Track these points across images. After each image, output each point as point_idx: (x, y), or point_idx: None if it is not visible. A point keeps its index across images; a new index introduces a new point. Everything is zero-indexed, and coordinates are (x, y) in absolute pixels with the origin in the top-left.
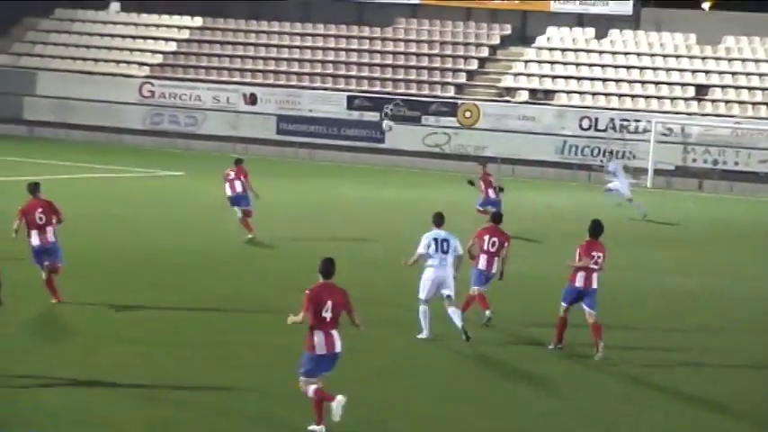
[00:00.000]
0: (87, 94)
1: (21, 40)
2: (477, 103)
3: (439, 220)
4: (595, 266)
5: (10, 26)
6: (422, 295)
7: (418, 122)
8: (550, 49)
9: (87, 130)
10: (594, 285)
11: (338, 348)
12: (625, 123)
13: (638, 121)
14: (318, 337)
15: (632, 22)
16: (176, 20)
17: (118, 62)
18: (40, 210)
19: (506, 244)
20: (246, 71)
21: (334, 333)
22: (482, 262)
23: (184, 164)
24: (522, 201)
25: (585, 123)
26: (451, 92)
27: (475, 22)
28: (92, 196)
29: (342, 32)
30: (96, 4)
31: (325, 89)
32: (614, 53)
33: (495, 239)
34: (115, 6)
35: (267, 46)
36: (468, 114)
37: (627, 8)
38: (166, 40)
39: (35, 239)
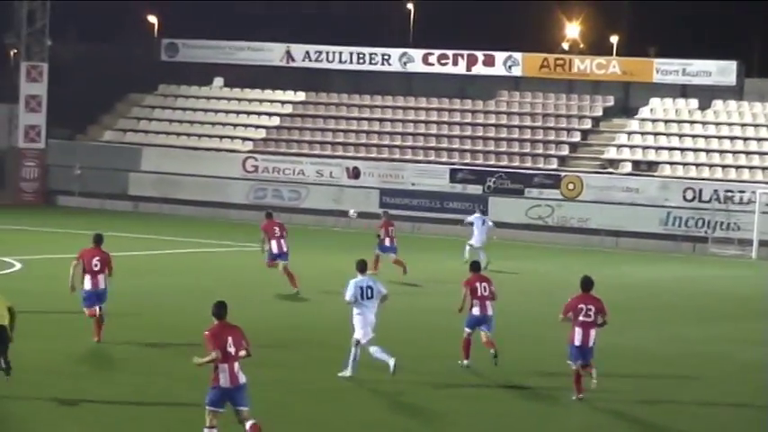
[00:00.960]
0: (191, 170)
1: (125, 116)
2: (580, 174)
3: (362, 267)
4: (588, 318)
5: (116, 102)
6: (361, 338)
7: (521, 195)
8: (653, 121)
9: (191, 205)
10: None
11: (242, 380)
12: (729, 194)
13: (742, 192)
14: (223, 372)
15: (736, 92)
16: (279, 95)
17: (221, 137)
18: (96, 258)
19: (492, 287)
20: (349, 145)
21: (236, 366)
22: (476, 308)
23: (287, 240)
24: (624, 272)
25: (689, 195)
26: (554, 164)
27: (577, 94)
28: (194, 271)
29: (444, 105)
30: (200, 80)
31: (428, 162)
32: (718, 124)
33: (485, 284)
34: (218, 82)
35: (369, 119)
36: (571, 186)
37: (730, 79)
38: (270, 114)
39: (87, 284)
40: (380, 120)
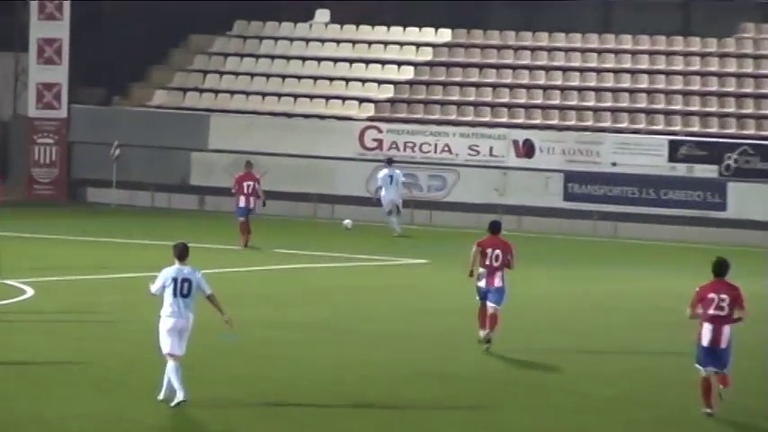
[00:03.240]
0: (282, 147)
1: (185, 68)
2: None
3: (182, 253)
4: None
5: (170, 48)
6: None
7: None
8: None
9: (283, 199)
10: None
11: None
12: None
13: None
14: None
15: None
16: (413, 34)
17: (327, 99)
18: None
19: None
20: (517, 107)
21: None
22: (482, 279)
23: (428, 247)
24: None
25: None
26: None
27: None
28: (288, 298)
29: (659, 47)
30: (293, 13)
31: (636, 132)
32: None
33: (497, 252)
34: (323, 17)
35: (547, 69)
36: None
37: None
38: (399, 64)
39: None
40: (563, 69)
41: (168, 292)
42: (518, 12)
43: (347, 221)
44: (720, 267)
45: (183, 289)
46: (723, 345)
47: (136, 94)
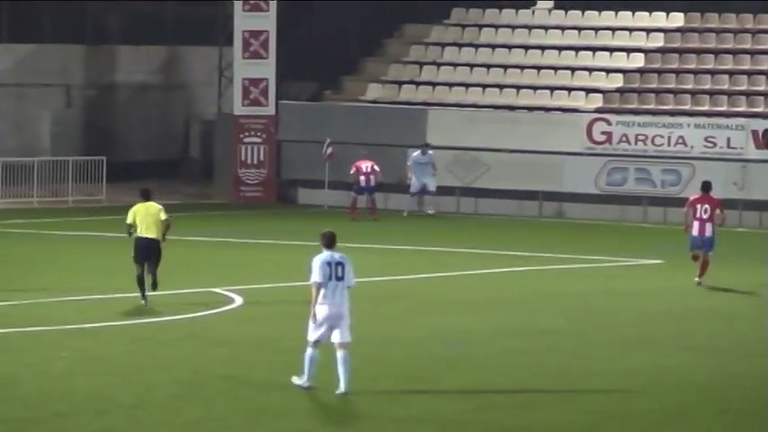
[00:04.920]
0: (505, 143)
1: (400, 60)
2: None
3: (330, 241)
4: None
5: (384, 39)
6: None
7: None
8: None
9: (507, 198)
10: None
11: None
12: None
13: None
14: None
15: None
16: (643, 19)
17: (552, 90)
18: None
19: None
20: (756, 95)
21: None
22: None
23: (661, 246)
24: None
25: None
26: None
27: None
28: (517, 303)
29: None
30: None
31: None
32: None
33: (706, 206)
34: (546, 2)
35: None
36: None
37: None
38: (629, 51)
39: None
40: None
41: (323, 278)
42: None
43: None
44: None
45: (338, 272)
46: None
47: (348, 89)
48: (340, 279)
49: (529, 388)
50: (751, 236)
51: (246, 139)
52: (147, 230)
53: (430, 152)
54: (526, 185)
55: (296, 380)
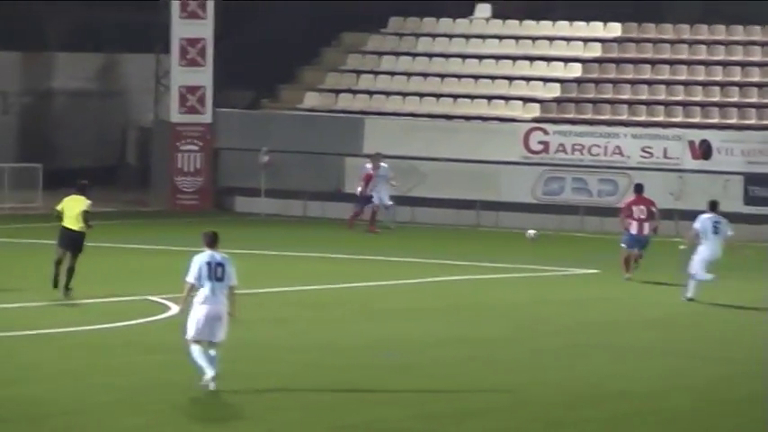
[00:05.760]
0: (442, 152)
1: (337, 68)
2: None
3: (212, 240)
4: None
5: (321, 48)
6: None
7: None
8: None
9: (443, 207)
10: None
11: None
12: None
13: None
14: None
15: None
16: (581, 29)
17: (489, 99)
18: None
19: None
20: (693, 105)
21: None
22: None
23: (597, 255)
24: None
25: None
26: None
27: None
28: (457, 312)
29: None
30: (452, 9)
31: None
32: None
33: (642, 207)
34: (484, 11)
35: (725, 65)
36: None
37: None
38: (566, 61)
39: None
40: (742, 64)
41: (203, 278)
42: (693, 4)
43: (532, 232)
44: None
45: (218, 272)
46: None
47: (285, 97)
48: (220, 280)
49: (469, 397)
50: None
51: (183, 147)
52: (71, 222)
53: (383, 164)
54: (463, 194)
55: (202, 382)
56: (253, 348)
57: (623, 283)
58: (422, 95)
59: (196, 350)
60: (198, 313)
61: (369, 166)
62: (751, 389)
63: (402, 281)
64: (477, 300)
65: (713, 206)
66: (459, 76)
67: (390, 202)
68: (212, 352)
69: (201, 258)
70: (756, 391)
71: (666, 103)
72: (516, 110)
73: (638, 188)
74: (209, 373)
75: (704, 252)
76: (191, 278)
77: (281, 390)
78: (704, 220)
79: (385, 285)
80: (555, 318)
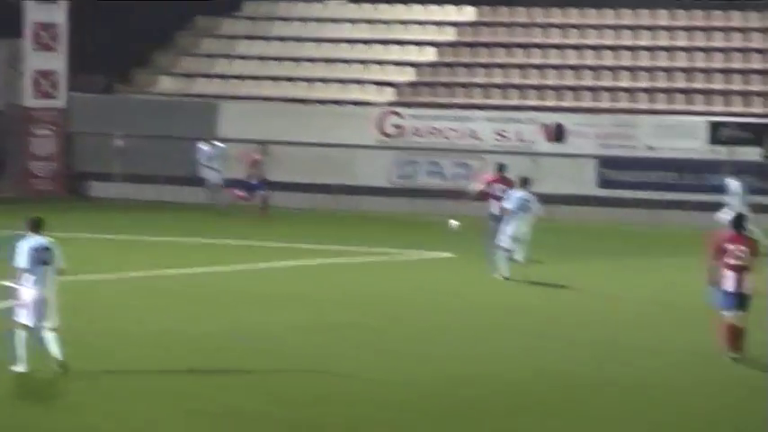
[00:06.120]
0: (297, 135)
1: (191, 53)
2: None
3: (36, 225)
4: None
5: (175, 32)
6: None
7: None
8: None
9: (298, 191)
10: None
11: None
12: None
13: None
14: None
15: None
16: (435, 13)
17: (344, 83)
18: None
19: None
20: (547, 89)
21: None
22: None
23: (450, 239)
24: None
25: None
26: None
27: None
28: (312, 297)
29: (697, 22)
30: None
31: (674, 113)
32: None
33: (503, 187)
34: None
35: (578, 48)
36: None
37: None
38: (420, 44)
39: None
40: (595, 48)
41: (30, 262)
42: None
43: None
44: (738, 222)
45: (45, 257)
46: (745, 290)
47: (139, 81)
48: (47, 264)
49: (323, 382)
50: (541, 229)
51: (37, 132)
52: None
53: (219, 144)
54: (319, 178)
55: (15, 368)
56: (103, 335)
57: (478, 267)
58: (276, 79)
59: (21, 336)
60: (27, 298)
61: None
62: (603, 374)
63: (255, 265)
64: (332, 284)
65: (524, 183)
66: (313, 60)
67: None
68: (49, 335)
69: (28, 244)
70: (606, 376)
71: (520, 87)
72: (371, 94)
73: (502, 168)
74: (56, 357)
75: (512, 229)
76: (22, 263)
77: (132, 375)
78: (515, 198)
79: (238, 270)
80: (409, 301)
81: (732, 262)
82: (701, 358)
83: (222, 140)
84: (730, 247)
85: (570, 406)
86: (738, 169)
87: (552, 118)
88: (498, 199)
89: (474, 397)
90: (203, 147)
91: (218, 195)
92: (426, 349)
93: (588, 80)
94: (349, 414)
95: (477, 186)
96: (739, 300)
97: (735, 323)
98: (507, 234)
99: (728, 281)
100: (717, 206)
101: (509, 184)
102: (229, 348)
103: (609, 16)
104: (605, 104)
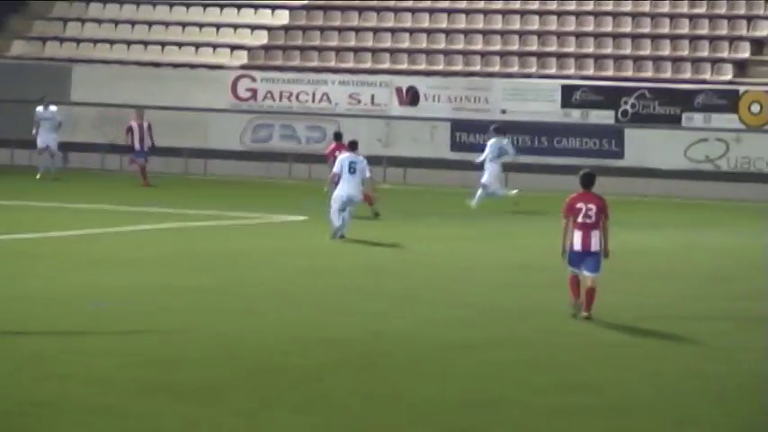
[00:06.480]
0: (151, 99)
1: (44, 16)
2: None
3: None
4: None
5: None
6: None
7: (677, 124)
8: None
9: (153, 155)
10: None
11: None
12: None
13: None
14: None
15: None
16: None
17: (197, 46)
18: None
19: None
20: (401, 51)
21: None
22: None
23: (305, 203)
24: None
25: None
26: (729, 74)
27: None
28: (164, 261)
29: None
30: None
31: (527, 76)
32: None
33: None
34: None
35: (431, 11)
36: (755, 109)
37: None
38: (273, 8)
39: None
40: (448, 11)
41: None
42: None
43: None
44: (586, 179)
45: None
46: (593, 248)
47: None
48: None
49: (181, 345)
50: (396, 192)
51: None
52: None
53: (52, 108)
54: (171, 142)
55: None
56: None
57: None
58: (129, 43)
59: None
60: None
61: (39, 108)
62: (465, 335)
63: (107, 229)
64: (185, 248)
65: (352, 146)
66: (166, 24)
67: (54, 148)
68: None
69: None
70: (467, 337)
71: (374, 50)
72: (224, 57)
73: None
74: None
75: (340, 191)
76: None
77: None
78: (342, 160)
79: (89, 234)
80: (264, 266)
81: (580, 221)
82: (549, 315)
83: (75, 105)
84: (579, 205)
85: (417, 365)
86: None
87: (406, 81)
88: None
89: (330, 360)
90: (39, 109)
91: (47, 159)
92: (280, 313)
93: (441, 44)
94: (206, 376)
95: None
96: (584, 258)
97: (576, 277)
98: (337, 195)
99: (575, 240)
100: (570, 169)
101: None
102: (86, 312)
103: None
104: (458, 68)
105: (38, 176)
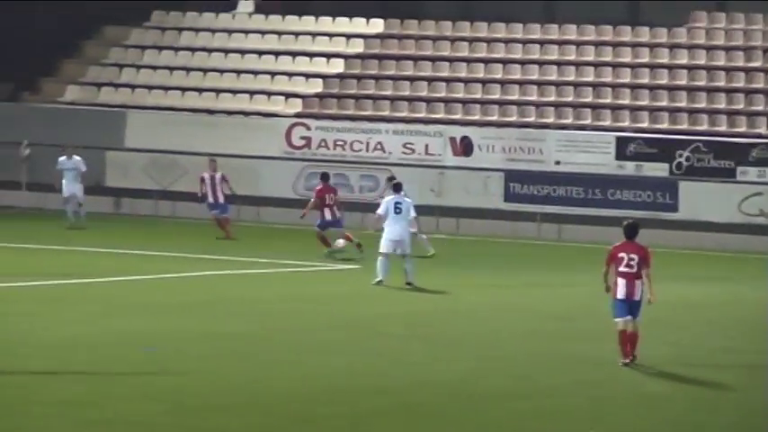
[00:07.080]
0: (204, 146)
1: (99, 62)
2: None
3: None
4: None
5: (83, 41)
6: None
7: (731, 178)
8: None
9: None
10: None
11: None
12: None
13: None
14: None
15: None
16: (343, 25)
17: (252, 94)
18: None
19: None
20: (455, 102)
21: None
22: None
23: (360, 252)
24: None
25: None
26: None
27: None
28: (215, 308)
29: (605, 37)
30: (215, 3)
31: (582, 128)
32: None
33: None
34: (246, 6)
35: (486, 62)
36: None
37: None
38: (328, 56)
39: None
40: (504, 62)
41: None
42: (453, 3)
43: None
44: (630, 230)
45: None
46: (636, 297)
47: (46, 90)
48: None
49: (222, 391)
50: (448, 242)
51: None
52: None
53: (76, 157)
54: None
55: None
56: None
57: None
58: (184, 90)
59: None
60: None
61: (62, 158)
62: (498, 384)
63: (157, 275)
64: (235, 295)
65: (396, 187)
66: (221, 71)
67: (81, 197)
68: None
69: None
70: (502, 386)
71: (428, 100)
72: (278, 105)
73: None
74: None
75: (388, 233)
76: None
77: (27, 386)
78: (387, 202)
79: (140, 280)
80: (311, 314)
81: (622, 270)
82: (592, 366)
83: (129, 150)
84: (621, 255)
85: (458, 415)
86: (647, 186)
87: (460, 131)
88: (329, 207)
89: (374, 407)
90: (62, 159)
91: (74, 207)
92: (325, 361)
93: (496, 94)
94: (246, 423)
95: (312, 203)
96: (629, 307)
97: (625, 329)
98: (387, 238)
99: (619, 288)
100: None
101: (333, 191)
102: (125, 356)
103: (517, 30)
104: (513, 118)
105: (67, 226)
